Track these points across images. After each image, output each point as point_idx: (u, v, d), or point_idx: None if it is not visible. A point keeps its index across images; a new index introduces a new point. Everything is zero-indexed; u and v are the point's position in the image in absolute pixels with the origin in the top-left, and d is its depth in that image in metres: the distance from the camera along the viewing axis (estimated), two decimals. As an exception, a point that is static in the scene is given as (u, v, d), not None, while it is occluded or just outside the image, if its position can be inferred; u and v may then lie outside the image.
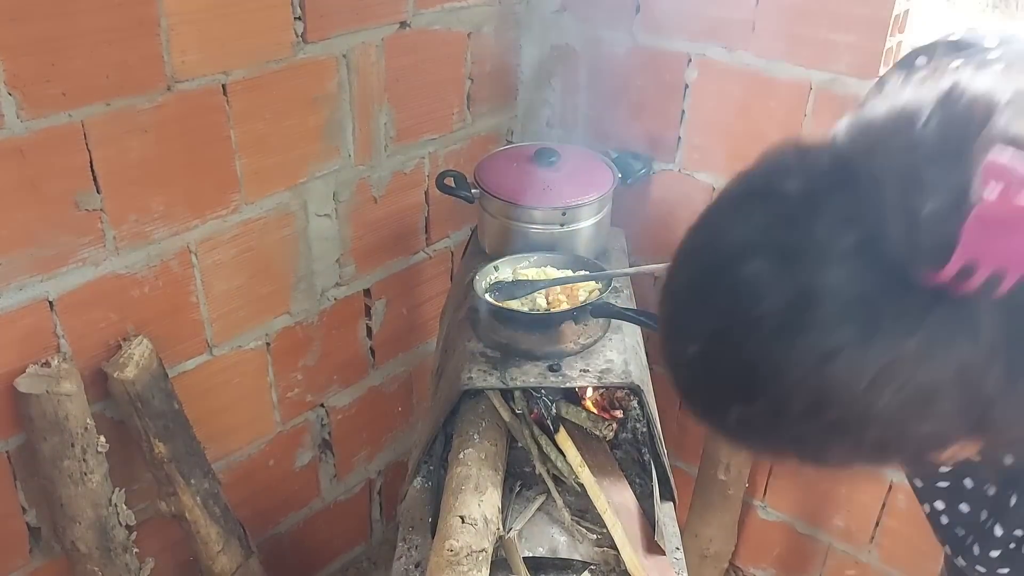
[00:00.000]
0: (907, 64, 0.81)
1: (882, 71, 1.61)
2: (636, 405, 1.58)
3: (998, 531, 0.72)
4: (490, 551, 1.26)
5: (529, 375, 1.47)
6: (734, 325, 0.56)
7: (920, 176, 0.49)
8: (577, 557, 1.37)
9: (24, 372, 1.37)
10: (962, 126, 0.49)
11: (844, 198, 0.51)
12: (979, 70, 0.53)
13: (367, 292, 1.96)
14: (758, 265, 0.54)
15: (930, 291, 0.49)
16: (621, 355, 1.51)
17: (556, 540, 1.40)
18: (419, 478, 1.53)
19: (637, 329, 1.62)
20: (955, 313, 0.49)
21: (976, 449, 0.57)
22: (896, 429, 0.53)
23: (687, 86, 1.86)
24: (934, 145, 0.50)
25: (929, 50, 0.79)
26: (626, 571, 1.33)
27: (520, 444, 1.49)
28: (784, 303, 0.52)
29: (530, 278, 1.60)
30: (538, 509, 1.45)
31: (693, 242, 0.62)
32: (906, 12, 1.61)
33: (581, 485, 1.44)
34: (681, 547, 1.40)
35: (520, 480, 1.49)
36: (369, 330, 2.00)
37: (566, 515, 1.43)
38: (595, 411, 1.51)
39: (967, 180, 0.48)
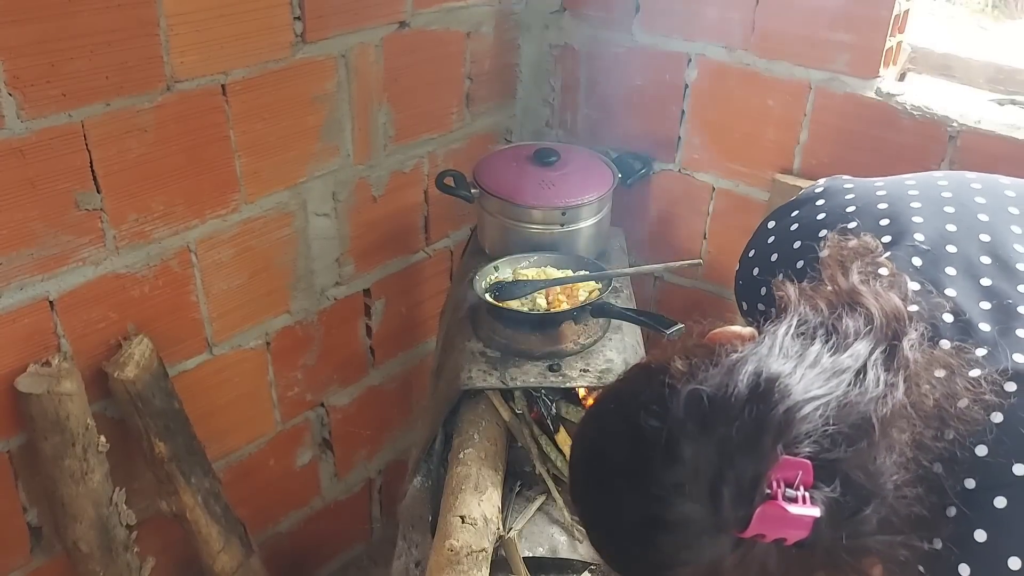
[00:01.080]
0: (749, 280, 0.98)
1: (882, 71, 1.61)
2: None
3: None
4: (490, 550, 1.26)
5: (529, 375, 1.47)
6: (605, 518, 0.75)
7: (726, 468, 0.65)
8: (577, 557, 1.37)
9: (25, 372, 1.37)
10: (767, 429, 0.65)
11: (679, 460, 0.67)
12: (803, 356, 0.69)
13: (367, 291, 1.96)
14: (622, 484, 0.72)
15: (736, 537, 0.66)
16: (621, 355, 1.51)
17: (556, 540, 1.40)
18: (419, 477, 1.53)
19: (637, 329, 1.63)
20: (755, 550, 0.66)
21: None
22: None
23: (687, 86, 1.86)
24: (740, 445, 0.65)
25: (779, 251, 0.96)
26: (625, 571, 1.33)
27: (520, 444, 1.50)
28: (636, 520, 0.70)
29: (530, 278, 1.60)
30: (538, 509, 1.45)
31: (583, 436, 0.82)
32: (906, 12, 1.62)
33: (581, 485, 1.44)
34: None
35: (520, 480, 1.50)
36: (369, 329, 2.01)
37: (566, 515, 1.43)
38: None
39: (758, 480, 0.65)
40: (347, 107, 1.71)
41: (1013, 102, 1.60)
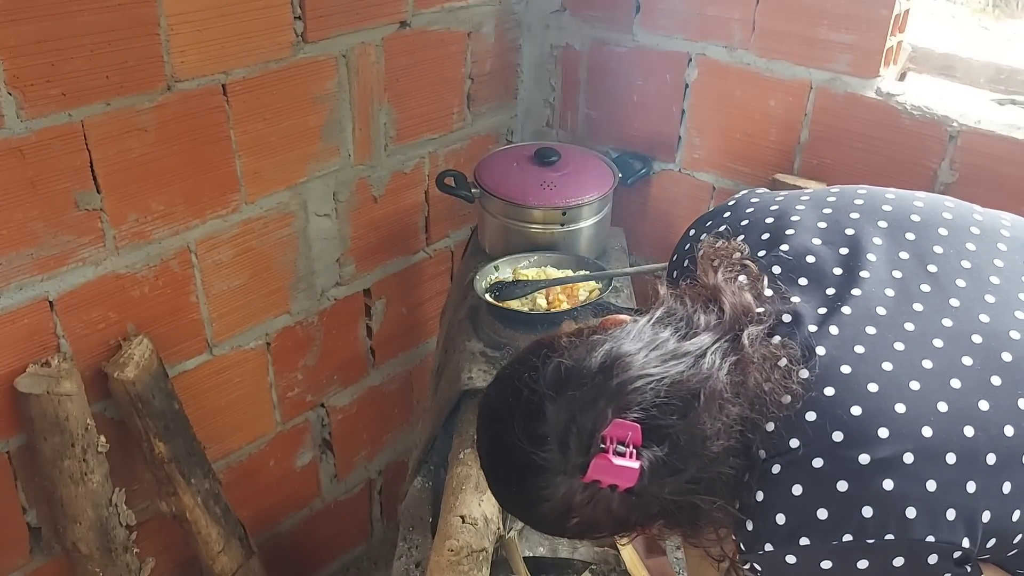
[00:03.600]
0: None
1: (882, 71, 1.61)
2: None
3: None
4: (490, 551, 1.26)
5: (529, 375, 1.47)
6: (491, 458, 0.93)
7: (570, 425, 0.80)
8: (577, 557, 1.37)
9: (24, 372, 1.37)
10: (603, 396, 0.80)
11: (543, 416, 0.82)
12: (651, 348, 0.83)
13: (367, 292, 1.96)
14: (504, 432, 0.86)
15: (583, 481, 0.81)
16: (621, 355, 1.51)
17: (556, 540, 1.40)
18: (419, 478, 1.53)
19: (637, 329, 1.62)
20: (598, 492, 0.81)
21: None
22: (582, 536, 0.90)
23: (687, 86, 1.85)
24: (585, 402, 0.80)
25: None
26: (626, 571, 1.33)
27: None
28: (513, 465, 0.86)
29: (530, 278, 1.60)
30: (538, 509, 1.45)
31: (488, 388, 0.97)
32: (906, 12, 1.62)
33: (581, 485, 1.44)
34: (682, 547, 1.40)
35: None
36: (369, 330, 2.00)
37: (566, 515, 1.42)
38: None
39: (594, 436, 0.79)
40: (348, 107, 1.71)
41: (1013, 102, 1.60)
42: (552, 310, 1.52)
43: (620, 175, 1.77)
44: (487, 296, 1.54)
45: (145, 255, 1.49)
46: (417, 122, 1.87)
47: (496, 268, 1.64)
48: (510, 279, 1.61)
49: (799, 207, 1.00)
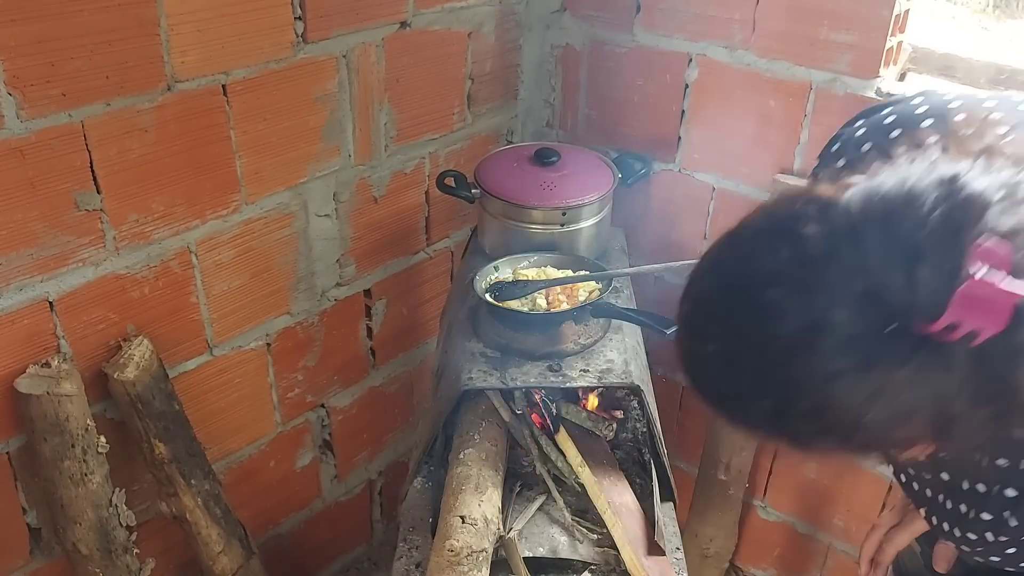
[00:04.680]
0: (879, 131, 0.94)
1: (882, 71, 1.61)
2: (636, 405, 1.58)
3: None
4: (490, 551, 1.26)
5: (529, 375, 1.47)
6: (753, 337, 0.68)
7: (923, 250, 0.61)
8: (577, 557, 1.37)
9: (24, 373, 1.37)
10: (960, 215, 0.62)
11: (856, 253, 0.63)
12: (965, 158, 0.66)
13: (367, 292, 1.96)
14: (779, 293, 0.66)
15: (919, 335, 0.62)
16: (621, 355, 1.51)
17: (556, 540, 1.40)
18: (420, 478, 1.53)
19: (637, 329, 1.62)
20: (937, 354, 0.62)
21: (930, 450, 0.73)
22: (878, 435, 0.68)
23: (687, 86, 1.85)
24: (937, 227, 0.62)
25: (901, 119, 0.92)
26: (626, 571, 1.33)
27: (520, 444, 1.49)
28: (797, 328, 0.65)
29: (530, 278, 1.59)
30: (538, 509, 1.45)
31: (721, 257, 0.74)
32: (906, 12, 1.61)
33: (581, 485, 1.44)
34: (681, 547, 1.40)
35: (520, 480, 1.49)
36: (369, 330, 2.00)
37: (566, 515, 1.42)
38: (595, 411, 1.51)
39: (960, 259, 0.60)
40: (348, 107, 1.71)
41: (1014, 102, 1.60)
42: (552, 310, 1.52)
43: (620, 175, 1.77)
44: (487, 296, 1.54)
45: (145, 256, 1.49)
46: (418, 122, 1.87)
47: (496, 268, 1.64)
48: (510, 279, 1.61)
49: (989, 103, 0.87)
